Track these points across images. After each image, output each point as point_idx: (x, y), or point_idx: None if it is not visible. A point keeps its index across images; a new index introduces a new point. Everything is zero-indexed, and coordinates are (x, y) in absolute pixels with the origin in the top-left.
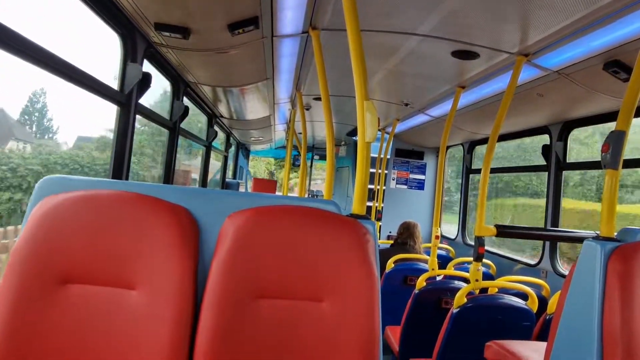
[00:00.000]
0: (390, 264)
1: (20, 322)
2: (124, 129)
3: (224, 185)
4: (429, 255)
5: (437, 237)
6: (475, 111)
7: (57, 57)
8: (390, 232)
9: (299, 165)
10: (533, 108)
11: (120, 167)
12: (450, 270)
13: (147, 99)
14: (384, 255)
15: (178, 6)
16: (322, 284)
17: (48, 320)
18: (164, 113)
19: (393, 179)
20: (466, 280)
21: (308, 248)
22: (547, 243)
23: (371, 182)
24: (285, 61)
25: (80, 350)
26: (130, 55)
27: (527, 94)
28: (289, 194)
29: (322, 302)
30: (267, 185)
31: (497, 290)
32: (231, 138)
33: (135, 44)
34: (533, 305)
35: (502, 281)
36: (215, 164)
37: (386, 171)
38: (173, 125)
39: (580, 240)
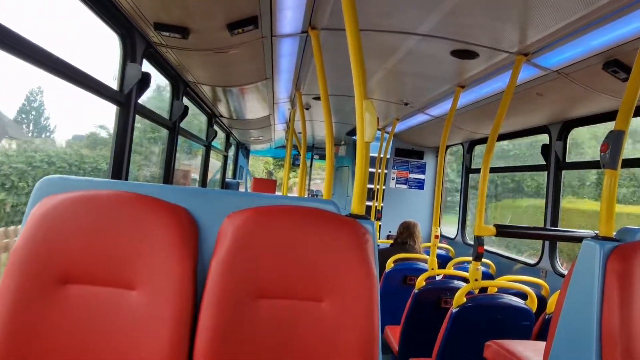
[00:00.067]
0: (390, 264)
1: (20, 322)
2: (124, 129)
3: (224, 185)
4: (428, 254)
5: (436, 236)
6: (474, 111)
7: (57, 58)
8: (390, 232)
9: (298, 165)
10: (533, 107)
11: (119, 167)
12: (449, 269)
13: (147, 99)
14: (384, 254)
15: (177, 6)
16: (321, 284)
17: (48, 321)
18: (164, 113)
19: (393, 179)
20: (466, 280)
21: (307, 248)
22: (547, 243)
23: (371, 181)
24: (285, 61)
25: (80, 351)
26: (129, 55)
27: (527, 94)
28: (289, 194)
29: (322, 302)
30: (267, 184)
31: (496, 289)
32: (231, 138)
33: (135, 44)
34: (532, 304)
35: (502, 281)
36: (215, 163)
37: (386, 171)
38: (173, 125)
39: (579, 239)
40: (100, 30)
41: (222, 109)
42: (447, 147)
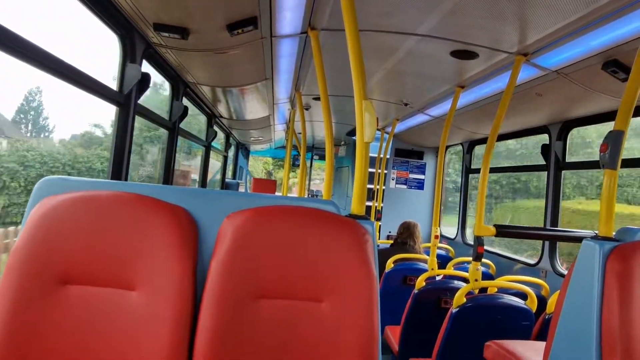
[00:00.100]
0: (390, 264)
1: (20, 322)
2: (123, 130)
3: (224, 185)
4: (428, 255)
5: (436, 236)
6: (474, 111)
7: (57, 59)
8: (390, 232)
9: (298, 165)
10: (532, 108)
11: (119, 167)
12: (449, 270)
13: (147, 100)
14: (384, 255)
15: (177, 6)
16: (321, 284)
17: (48, 321)
18: (164, 113)
19: (393, 179)
20: (466, 280)
21: (307, 248)
22: (547, 243)
23: (371, 181)
24: (285, 61)
25: (80, 351)
26: (129, 56)
27: (526, 94)
28: (289, 194)
29: (322, 302)
30: (267, 185)
31: (496, 290)
32: (231, 138)
33: (134, 45)
34: (532, 304)
35: (502, 281)
36: (215, 164)
37: (386, 171)
38: (172, 126)
39: (579, 240)
40: (100, 30)
41: (221, 109)
42: (447, 147)
